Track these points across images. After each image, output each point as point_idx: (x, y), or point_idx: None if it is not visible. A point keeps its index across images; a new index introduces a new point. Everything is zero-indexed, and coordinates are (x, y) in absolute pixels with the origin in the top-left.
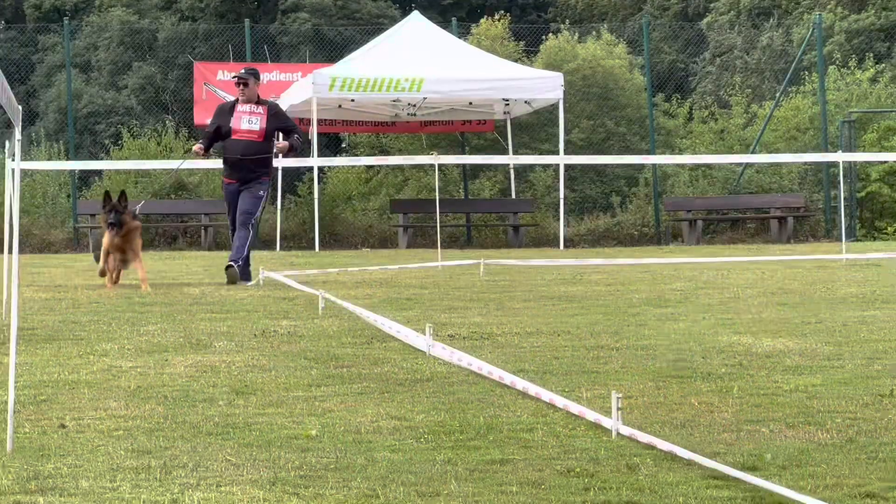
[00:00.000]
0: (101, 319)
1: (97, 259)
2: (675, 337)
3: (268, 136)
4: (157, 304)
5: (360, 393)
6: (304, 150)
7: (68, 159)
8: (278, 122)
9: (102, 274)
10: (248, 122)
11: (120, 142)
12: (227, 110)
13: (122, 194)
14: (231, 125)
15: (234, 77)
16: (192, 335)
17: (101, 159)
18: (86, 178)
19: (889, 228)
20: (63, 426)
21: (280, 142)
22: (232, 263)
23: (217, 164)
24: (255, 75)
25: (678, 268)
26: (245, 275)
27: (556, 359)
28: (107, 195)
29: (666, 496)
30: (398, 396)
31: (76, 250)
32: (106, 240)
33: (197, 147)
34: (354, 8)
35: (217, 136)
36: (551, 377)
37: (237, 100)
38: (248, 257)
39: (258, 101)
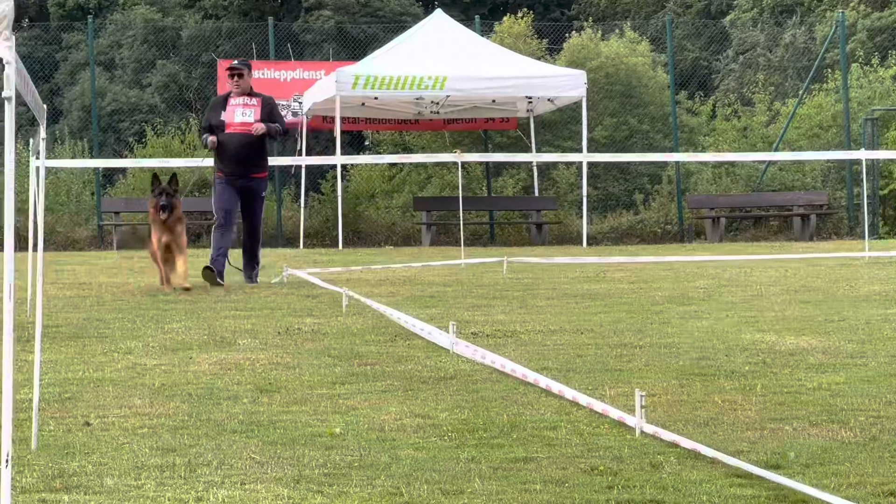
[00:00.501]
0: (125, 317)
1: (121, 246)
2: (698, 335)
3: None
4: (181, 301)
5: (383, 391)
6: (285, 142)
7: (92, 157)
8: (270, 115)
9: (166, 280)
10: (242, 114)
11: (144, 140)
12: (219, 104)
13: (174, 177)
14: (224, 119)
15: (228, 69)
16: (217, 333)
17: (125, 157)
18: (110, 175)
19: None
20: (87, 424)
21: (259, 123)
22: (251, 274)
23: None
24: (249, 67)
25: (701, 265)
26: (253, 275)
27: (579, 357)
28: (155, 177)
29: (689, 494)
30: (422, 394)
31: (100, 248)
32: (154, 237)
33: (212, 140)
34: (377, 6)
35: (212, 131)
36: (574, 375)
37: (230, 93)
38: (258, 256)
39: (251, 94)
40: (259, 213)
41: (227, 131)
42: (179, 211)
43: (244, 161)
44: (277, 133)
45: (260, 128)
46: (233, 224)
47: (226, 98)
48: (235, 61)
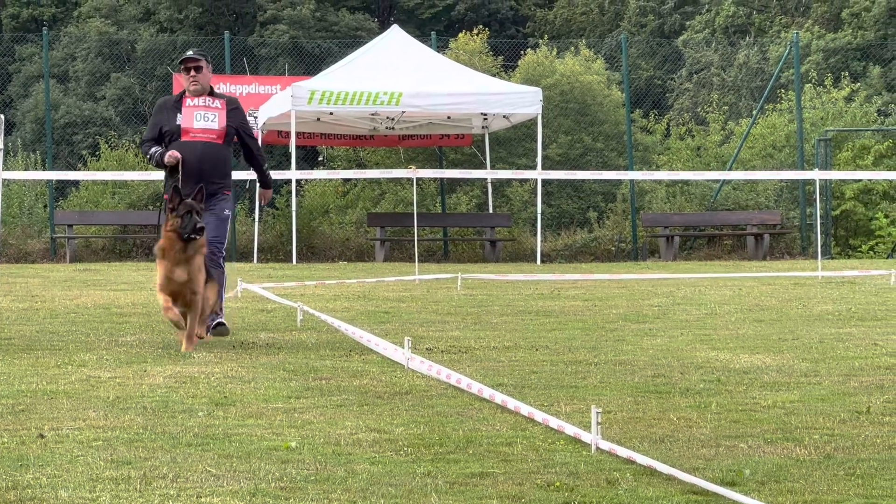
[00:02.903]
0: (78, 330)
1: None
2: (652, 353)
3: (228, 136)
4: (135, 314)
5: (339, 405)
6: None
7: (45, 169)
8: (238, 120)
9: (180, 322)
10: (203, 118)
11: (98, 153)
12: (171, 106)
13: (201, 190)
14: (180, 124)
15: (182, 61)
16: (171, 346)
17: (79, 170)
18: (62, 188)
19: (863, 247)
20: (41, 436)
21: (262, 189)
22: (222, 321)
23: None
24: (207, 59)
25: (655, 283)
26: (212, 321)
27: (534, 373)
28: (176, 191)
29: None
30: (377, 409)
31: (53, 260)
32: (162, 272)
33: (173, 155)
34: (333, 20)
35: (161, 140)
36: (530, 391)
37: (183, 93)
38: (221, 295)
39: (212, 93)
40: (217, 226)
41: (183, 140)
42: (204, 239)
43: (206, 176)
44: (269, 175)
45: (269, 197)
46: None
47: (180, 99)
48: (191, 51)
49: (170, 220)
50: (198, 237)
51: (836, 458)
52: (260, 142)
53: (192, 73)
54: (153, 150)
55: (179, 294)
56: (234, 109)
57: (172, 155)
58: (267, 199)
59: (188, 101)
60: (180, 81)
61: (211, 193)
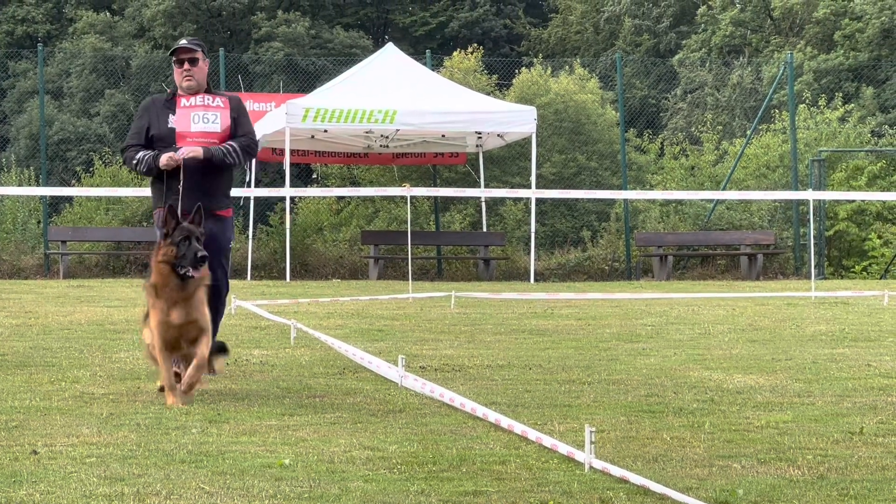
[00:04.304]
0: (72, 346)
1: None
2: (646, 372)
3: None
4: (128, 331)
5: (332, 423)
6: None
7: (39, 185)
8: (240, 122)
9: (171, 387)
10: (202, 120)
11: (91, 169)
12: (160, 106)
13: (199, 210)
14: (174, 127)
15: (173, 52)
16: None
17: (73, 186)
18: (56, 204)
19: (857, 267)
20: (35, 452)
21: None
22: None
23: None
24: (204, 50)
25: (649, 303)
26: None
27: (527, 392)
28: (171, 211)
29: None
30: (371, 427)
31: (47, 276)
32: (156, 311)
33: (171, 158)
34: (327, 38)
35: (150, 147)
36: (523, 410)
37: (175, 91)
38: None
39: (210, 91)
40: (226, 268)
41: (178, 146)
42: (207, 269)
43: (205, 191)
44: (236, 154)
45: (191, 153)
46: None
47: (172, 98)
48: (184, 40)
49: (162, 248)
50: (197, 271)
51: (829, 478)
52: (254, 159)
53: (186, 65)
54: (140, 154)
55: (177, 340)
56: (236, 108)
57: (171, 157)
58: (190, 154)
59: (183, 101)
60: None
61: (209, 210)
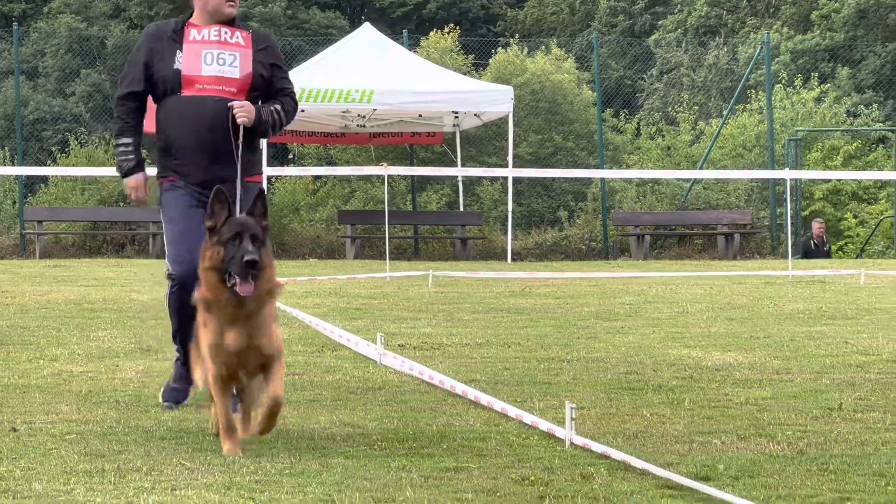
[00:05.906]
0: (49, 325)
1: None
2: (625, 350)
3: (254, 90)
4: (106, 310)
5: (312, 400)
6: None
7: (14, 165)
8: (270, 64)
9: (229, 430)
10: (216, 60)
11: (67, 149)
12: (167, 37)
13: (261, 196)
14: (181, 68)
15: None
16: (143, 341)
17: (48, 166)
18: (31, 184)
19: (833, 247)
20: (14, 430)
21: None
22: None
23: None
24: None
25: (626, 282)
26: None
27: (506, 369)
28: (218, 195)
29: None
30: (350, 404)
31: (23, 256)
32: (209, 332)
33: (134, 193)
34: (304, 18)
35: (145, 95)
36: (503, 387)
37: (185, 19)
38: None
39: (231, 23)
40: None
41: (184, 94)
42: (272, 272)
43: (224, 153)
44: (280, 118)
45: (244, 115)
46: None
47: (181, 28)
48: None
49: (208, 249)
50: (247, 282)
51: (808, 453)
52: None
53: None
54: (123, 141)
55: (237, 366)
56: (263, 49)
57: (137, 198)
58: (243, 117)
59: (193, 33)
60: None
61: (226, 178)
